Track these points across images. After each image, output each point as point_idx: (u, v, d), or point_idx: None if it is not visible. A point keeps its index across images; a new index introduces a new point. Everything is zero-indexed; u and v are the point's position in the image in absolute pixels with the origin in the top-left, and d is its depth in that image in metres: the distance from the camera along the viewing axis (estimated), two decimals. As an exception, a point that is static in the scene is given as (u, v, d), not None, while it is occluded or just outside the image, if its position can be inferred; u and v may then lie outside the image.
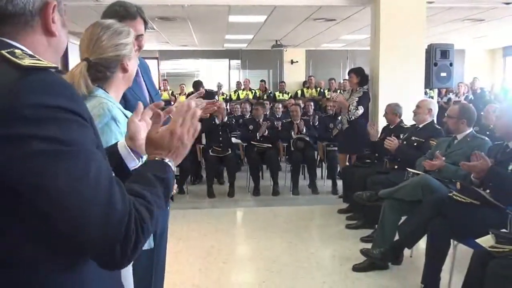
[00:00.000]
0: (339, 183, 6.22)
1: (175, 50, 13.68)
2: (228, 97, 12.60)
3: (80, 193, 0.84)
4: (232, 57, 14.73)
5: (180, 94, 12.40)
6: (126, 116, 1.74)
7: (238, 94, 12.51)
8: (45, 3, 0.98)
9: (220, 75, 14.45)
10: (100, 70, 1.67)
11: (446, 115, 4.11)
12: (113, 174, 0.92)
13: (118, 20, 2.13)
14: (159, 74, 13.51)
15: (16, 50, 0.92)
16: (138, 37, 2.19)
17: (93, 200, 0.85)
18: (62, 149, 0.83)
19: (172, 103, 11.55)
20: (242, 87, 12.77)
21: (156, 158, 1.10)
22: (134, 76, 1.83)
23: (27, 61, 0.88)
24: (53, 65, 0.90)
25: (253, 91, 12.55)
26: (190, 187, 6.75)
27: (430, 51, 5.90)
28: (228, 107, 9.80)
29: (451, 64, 5.95)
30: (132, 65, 1.77)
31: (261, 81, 13.08)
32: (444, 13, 7.38)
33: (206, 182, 6.45)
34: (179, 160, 1.14)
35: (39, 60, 0.90)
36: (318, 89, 12.63)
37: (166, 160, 1.10)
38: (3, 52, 0.90)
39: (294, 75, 14.09)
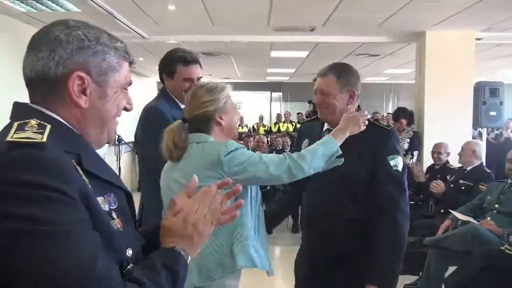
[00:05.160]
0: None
1: (218, 82, 13.92)
2: (268, 129, 12.65)
3: (51, 275, 0.78)
4: (274, 90, 14.84)
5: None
6: None
7: (279, 127, 12.53)
8: (69, 73, 0.95)
9: (261, 107, 14.56)
10: (197, 126, 1.81)
11: (508, 159, 3.85)
12: (101, 255, 0.85)
13: (183, 64, 2.42)
14: (201, 106, 13.77)
15: (32, 121, 0.90)
16: (199, 80, 2.48)
17: (65, 281, 0.79)
18: (36, 228, 0.79)
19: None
20: (283, 119, 12.79)
21: (167, 246, 1.03)
22: (235, 127, 1.95)
23: (17, 136, 0.86)
24: (42, 141, 0.87)
25: (294, 124, 12.53)
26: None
27: (479, 89, 5.69)
28: (268, 139, 9.81)
29: (501, 103, 5.71)
30: (229, 118, 1.86)
31: (298, 113, 13.07)
32: (493, 49, 7.17)
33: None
34: (194, 250, 1.05)
35: (35, 134, 0.88)
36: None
37: (177, 248, 1.02)
38: (15, 123, 0.89)
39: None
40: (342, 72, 2.06)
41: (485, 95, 5.64)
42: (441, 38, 5.71)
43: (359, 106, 2.16)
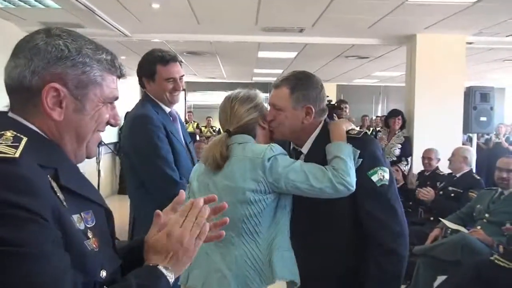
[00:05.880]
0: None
1: (203, 82, 13.88)
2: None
3: None
4: (260, 91, 14.74)
5: (206, 126, 12.54)
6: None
7: (265, 129, 12.54)
8: (44, 83, 0.93)
9: (247, 108, 14.55)
10: (242, 134, 1.84)
11: (497, 167, 3.88)
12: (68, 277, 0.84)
13: (162, 64, 2.39)
14: (185, 106, 13.69)
15: (8, 133, 0.89)
16: (181, 78, 2.47)
17: None
18: (5, 249, 0.78)
19: (197, 136, 11.66)
20: (270, 121, 12.80)
21: (150, 264, 1.00)
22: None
23: None
24: (14, 156, 0.85)
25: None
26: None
27: (469, 93, 5.75)
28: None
29: (491, 108, 5.78)
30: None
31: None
32: (484, 54, 7.27)
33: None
34: (181, 267, 1.02)
35: (9, 147, 0.86)
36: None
37: (160, 267, 0.98)
38: None
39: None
40: (298, 84, 1.82)
41: (475, 100, 5.70)
42: (432, 42, 5.77)
43: (325, 121, 1.91)
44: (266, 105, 1.92)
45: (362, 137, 1.83)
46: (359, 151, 1.77)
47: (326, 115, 1.94)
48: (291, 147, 1.99)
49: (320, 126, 1.90)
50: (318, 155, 1.80)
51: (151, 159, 2.33)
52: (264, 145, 1.80)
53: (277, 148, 1.77)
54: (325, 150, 1.79)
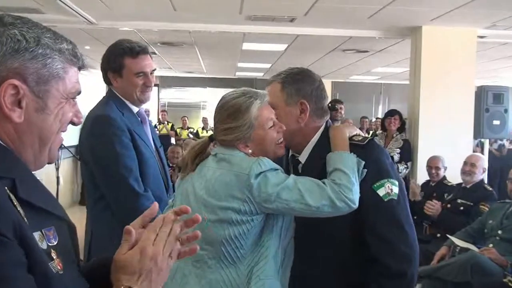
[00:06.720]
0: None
1: (179, 76, 13.85)
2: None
3: None
4: (245, 87, 14.84)
5: (182, 128, 12.48)
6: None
7: (250, 130, 12.52)
8: (0, 80, 0.91)
9: (230, 107, 14.54)
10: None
11: (510, 178, 3.92)
12: None
13: (131, 56, 2.38)
14: (158, 104, 13.62)
15: None
16: (152, 73, 2.47)
17: None
18: None
19: (172, 138, 11.61)
20: (255, 122, 12.80)
21: (121, 286, 0.99)
22: (271, 146, 1.82)
23: None
24: None
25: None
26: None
27: (481, 94, 5.79)
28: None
29: (505, 111, 5.83)
30: (258, 142, 1.78)
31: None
32: (497, 49, 7.36)
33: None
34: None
35: None
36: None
37: None
38: None
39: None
40: (290, 78, 1.87)
41: (488, 101, 5.72)
42: (439, 35, 5.83)
43: (327, 125, 1.93)
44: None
45: (367, 144, 1.81)
46: (364, 162, 1.75)
47: (327, 118, 1.94)
48: (290, 154, 1.98)
49: (321, 130, 1.90)
50: (317, 165, 1.80)
51: (111, 168, 2.31)
52: (252, 158, 1.74)
53: (266, 163, 1.71)
54: (324, 159, 1.78)
